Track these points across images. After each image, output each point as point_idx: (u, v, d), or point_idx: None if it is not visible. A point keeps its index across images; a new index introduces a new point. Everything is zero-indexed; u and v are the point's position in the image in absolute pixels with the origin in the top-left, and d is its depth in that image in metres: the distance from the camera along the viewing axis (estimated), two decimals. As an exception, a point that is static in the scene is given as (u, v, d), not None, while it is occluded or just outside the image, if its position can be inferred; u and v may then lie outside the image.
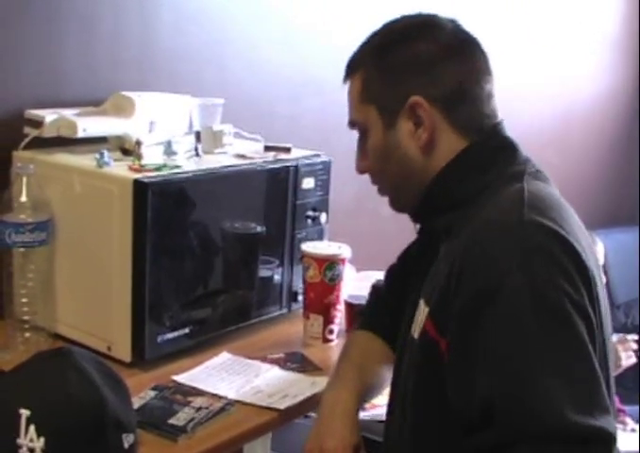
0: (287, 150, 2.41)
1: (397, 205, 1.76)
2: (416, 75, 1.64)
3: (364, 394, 1.81)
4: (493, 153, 1.64)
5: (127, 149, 2.21)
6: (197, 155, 2.28)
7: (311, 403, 1.95)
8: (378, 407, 2.60)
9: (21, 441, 1.47)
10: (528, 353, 1.36)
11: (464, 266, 1.45)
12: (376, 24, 1.73)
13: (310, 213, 2.43)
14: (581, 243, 1.47)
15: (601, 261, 3.66)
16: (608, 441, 1.33)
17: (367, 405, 2.36)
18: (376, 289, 2.08)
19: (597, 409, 1.33)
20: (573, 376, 1.34)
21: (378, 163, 1.72)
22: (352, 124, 1.75)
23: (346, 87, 1.74)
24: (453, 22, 1.70)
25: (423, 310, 1.57)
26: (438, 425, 1.54)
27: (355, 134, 1.76)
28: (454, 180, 1.63)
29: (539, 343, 1.35)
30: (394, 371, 1.78)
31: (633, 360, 3.52)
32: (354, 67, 1.72)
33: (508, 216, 1.48)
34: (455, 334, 1.45)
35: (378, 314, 1.98)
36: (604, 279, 3.66)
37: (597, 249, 3.62)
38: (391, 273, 2.01)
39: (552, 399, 1.32)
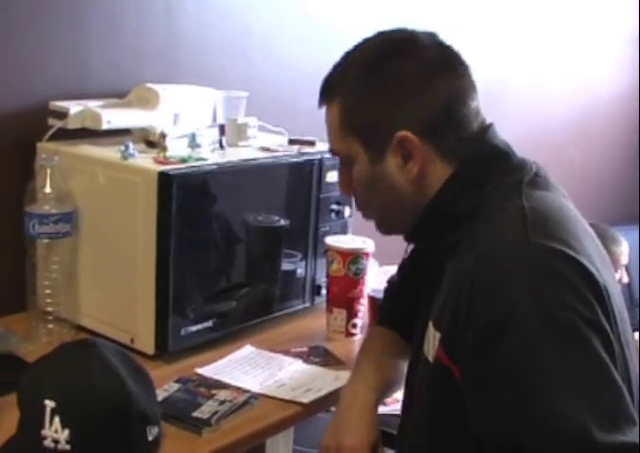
0: (311, 143, 2.41)
1: (385, 229, 1.72)
2: (400, 103, 1.56)
3: (384, 390, 1.80)
4: (484, 166, 1.58)
5: (152, 141, 2.21)
6: (221, 147, 2.27)
7: (335, 397, 1.93)
8: (399, 401, 2.60)
9: (45, 432, 1.48)
10: (545, 379, 1.33)
11: (473, 296, 1.41)
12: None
13: (334, 207, 2.42)
14: (588, 256, 1.43)
15: (625, 261, 3.65)
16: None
17: (389, 399, 2.36)
18: (391, 284, 2.07)
19: (623, 423, 1.31)
20: (594, 394, 1.32)
21: (365, 193, 1.67)
22: (334, 153, 1.69)
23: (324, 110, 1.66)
24: (432, 37, 1.62)
25: (434, 335, 1.54)
26: (455, 444, 1.51)
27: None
28: (450, 202, 1.57)
29: (555, 368, 1.33)
30: (407, 374, 1.77)
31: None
32: (330, 93, 1.63)
33: (512, 240, 1.43)
34: (469, 366, 1.43)
35: (394, 310, 1.97)
36: (626, 279, 3.64)
37: (621, 249, 3.62)
38: (402, 269, 2.00)
39: (577, 423, 1.29)
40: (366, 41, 1.63)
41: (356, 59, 1.62)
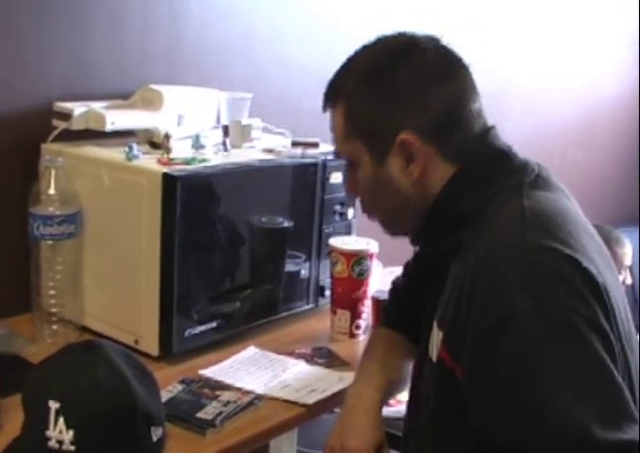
0: (315, 145, 2.41)
1: (391, 230, 1.74)
2: (402, 107, 1.58)
3: (388, 391, 1.81)
4: (487, 166, 1.60)
5: (156, 142, 2.21)
6: (225, 149, 2.27)
7: (339, 398, 1.94)
8: (402, 403, 2.60)
9: (50, 433, 1.47)
10: (544, 379, 1.34)
11: (473, 296, 1.43)
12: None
13: (337, 208, 2.43)
14: (588, 255, 1.44)
15: (629, 262, 3.65)
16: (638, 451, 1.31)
17: (392, 401, 2.36)
18: (396, 285, 2.07)
19: (623, 421, 1.31)
20: (594, 393, 1.32)
21: (370, 195, 1.70)
22: (338, 155, 1.72)
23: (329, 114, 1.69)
24: (434, 41, 1.64)
25: (437, 335, 1.55)
26: (462, 444, 1.51)
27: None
28: (455, 199, 1.59)
29: (555, 367, 1.33)
30: (413, 375, 1.77)
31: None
32: (334, 98, 1.67)
33: (511, 240, 1.44)
34: (470, 365, 1.44)
35: (399, 311, 1.98)
36: (629, 280, 3.64)
37: (625, 250, 3.62)
38: (407, 271, 2.01)
39: (577, 421, 1.30)
40: (367, 47, 1.67)
41: (358, 65, 1.65)
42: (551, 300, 1.36)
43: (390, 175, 1.62)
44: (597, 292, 1.40)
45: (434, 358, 1.56)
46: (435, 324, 1.57)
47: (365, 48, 1.67)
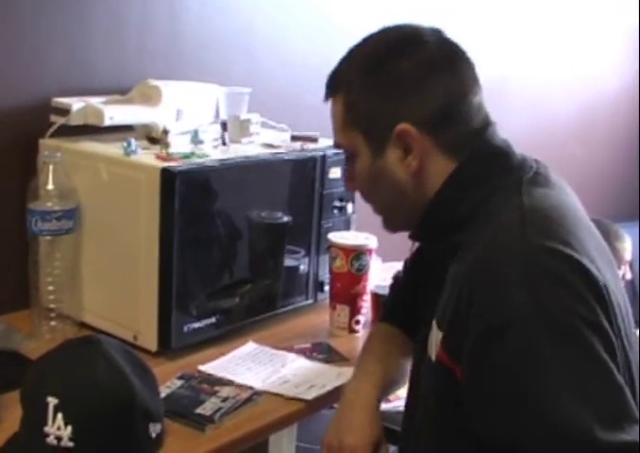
0: (314, 140, 2.40)
1: (390, 226, 1.73)
2: (402, 98, 1.58)
3: (386, 387, 1.80)
4: (485, 164, 1.58)
5: (154, 138, 2.20)
6: (224, 144, 2.27)
7: (338, 394, 1.93)
8: (402, 399, 2.60)
9: (48, 429, 1.47)
10: (545, 381, 1.33)
11: (473, 298, 1.41)
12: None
13: (336, 203, 2.42)
14: (588, 254, 1.43)
15: (629, 257, 3.64)
16: None
17: (391, 397, 2.36)
18: (396, 280, 2.07)
19: (625, 421, 1.31)
20: (595, 395, 1.32)
21: (368, 187, 1.69)
22: (337, 146, 1.71)
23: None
24: (437, 33, 1.63)
25: (436, 335, 1.54)
26: (460, 443, 1.50)
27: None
28: (453, 200, 1.58)
29: (555, 370, 1.33)
30: (411, 373, 1.77)
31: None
32: (335, 88, 1.66)
33: (510, 241, 1.43)
34: (470, 367, 1.42)
35: (399, 307, 1.97)
36: (629, 275, 3.62)
37: (625, 245, 3.61)
38: (407, 266, 2.00)
39: (578, 422, 1.29)
40: (371, 37, 1.65)
41: (360, 55, 1.64)
42: (552, 302, 1.35)
43: (388, 166, 1.60)
44: (597, 292, 1.38)
45: (433, 357, 1.55)
46: (434, 323, 1.56)
47: (368, 39, 1.66)
